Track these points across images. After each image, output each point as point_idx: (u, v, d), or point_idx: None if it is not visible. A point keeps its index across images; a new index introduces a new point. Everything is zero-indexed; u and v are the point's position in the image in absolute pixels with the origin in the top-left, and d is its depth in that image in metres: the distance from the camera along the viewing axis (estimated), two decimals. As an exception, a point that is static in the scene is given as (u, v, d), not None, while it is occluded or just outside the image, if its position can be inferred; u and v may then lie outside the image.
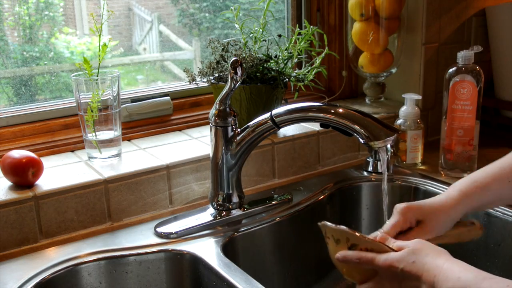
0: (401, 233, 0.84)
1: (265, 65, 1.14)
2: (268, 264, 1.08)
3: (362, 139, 0.86)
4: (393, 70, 1.40)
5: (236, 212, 1.04)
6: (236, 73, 0.95)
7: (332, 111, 0.89)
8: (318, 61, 1.19)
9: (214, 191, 1.03)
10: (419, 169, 1.26)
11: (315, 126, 1.26)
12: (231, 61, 0.95)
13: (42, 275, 0.86)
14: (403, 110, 1.24)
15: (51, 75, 1.30)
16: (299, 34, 1.19)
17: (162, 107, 1.27)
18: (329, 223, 0.79)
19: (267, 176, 1.20)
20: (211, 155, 1.02)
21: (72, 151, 1.14)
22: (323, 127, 0.94)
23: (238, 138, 0.99)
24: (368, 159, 1.27)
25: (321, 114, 0.90)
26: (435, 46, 1.40)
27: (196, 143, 1.19)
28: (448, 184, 1.16)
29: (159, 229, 0.99)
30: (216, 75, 1.17)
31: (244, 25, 1.19)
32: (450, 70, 1.16)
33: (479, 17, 1.47)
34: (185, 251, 0.94)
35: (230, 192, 1.03)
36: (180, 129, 1.28)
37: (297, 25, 1.32)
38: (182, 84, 1.36)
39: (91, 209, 1.00)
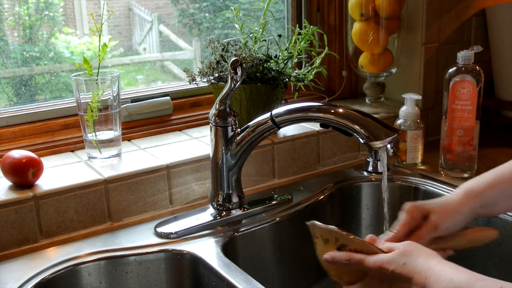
0: (413, 232, 0.84)
1: (265, 65, 1.14)
2: (268, 264, 1.08)
3: (362, 139, 0.86)
4: (393, 70, 1.40)
5: (236, 212, 1.04)
6: (236, 73, 0.95)
7: (332, 111, 0.89)
8: (318, 61, 1.19)
9: (214, 191, 1.03)
10: (419, 169, 1.26)
11: (315, 126, 1.26)
12: (231, 61, 0.95)
13: (42, 275, 0.86)
14: (403, 110, 1.24)
15: (51, 75, 1.30)
16: (299, 34, 1.19)
17: (162, 107, 1.27)
18: (318, 223, 0.78)
19: (267, 176, 1.20)
20: (211, 155, 1.02)
21: (72, 151, 1.14)
22: (323, 127, 0.94)
23: (238, 138, 0.99)
24: (368, 159, 1.27)
25: (321, 114, 0.90)
26: (435, 46, 1.40)
27: (196, 143, 1.19)
28: (448, 184, 1.17)
29: (159, 229, 0.99)
30: (216, 75, 1.17)
31: (244, 25, 1.19)
32: (450, 70, 1.16)
33: (479, 17, 1.47)
34: (185, 251, 0.94)
35: (230, 192, 1.03)
36: (180, 129, 1.28)
37: (297, 25, 1.32)
38: (182, 84, 1.36)
39: (91, 209, 1.00)
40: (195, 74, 1.18)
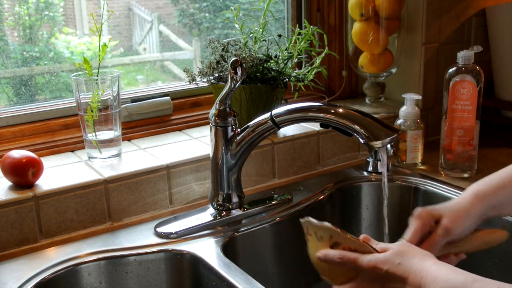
0: (425, 239, 0.82)
1: (265, 65, 1.14)
2: (268, 264, 1.08)
3: (362, 139, 0.86)
4: (393, 70, 1.40)
5: (236, 212, 1.04)
6: (236, 73, 0.95)
7: (332, 111, 0.89)
8: (318, 61, 1.19)
9: (214, 191, 1.03)
10: (419, 169, 1.26)
11: (315, 126, 1.26)
12: (231, 61, 0.95)
13: (42, 275, 0.86)
14: (403, 110, 1.24)
15: (51, 75, 1.30)
16: (299, 34, 1.19)
17: (162, 107, 1.27)
18: (312, 219, 0.77)
19: (267, 176, 1.20)
20: (211, 155, 1.02)
21: (72, 151, 1.14)
22: (323, 127, 0.94)
23: (238, 138, 0.99)
24: (368, 159, 1.27)
25: (321, 114, 0.90)
26: (435, 46, 1.40)
27: (196, 143, 1.19)
28: (448, 184, 1.17)
29: (159, 229, 0.99)
30: (216, 75, 1.17)
31: (244, 25, 1.19)
32: (450, 70, 1.16)
33: (479, 17, 1.47)
34: (185, 251, 0.94)
35: (230, 192, 1.03)
36: (180, 129, 1.28)
37: (297, 25, 1.32)
38: (182, 84, 1.36)
39: (91, 209, 1.00)
40: (195, 74, 1.18)
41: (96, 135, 1.06)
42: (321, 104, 0.91)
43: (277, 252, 1.08)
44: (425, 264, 0.69)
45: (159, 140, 1.21)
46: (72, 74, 1.04)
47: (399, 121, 1.25)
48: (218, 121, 0.99)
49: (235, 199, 1.04)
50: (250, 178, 1.17)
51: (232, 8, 1.20)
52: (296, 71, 1.19)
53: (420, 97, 1.24)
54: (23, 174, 0.95)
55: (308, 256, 0.80)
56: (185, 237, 0.98)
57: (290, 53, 1.18)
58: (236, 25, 1.20)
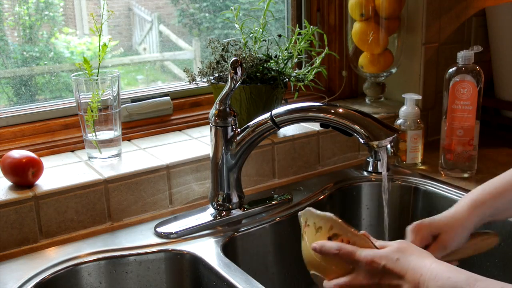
0: None
1: (265, 65, 1.14)
2: (268, 264, 1.08)
3: (362, 139, 0.86)
4: (393, 70, 1.40)
5: (236, 212, 1.04)
6: (236, 73, 0.95)
7: (332, 111, 0.89)
8: (318, 61, 1.19)
9: (214, 191, 1.03)
10: (419, 169, 1.26)
11: (315, 126, 1.26)
12: (231, 61, 0.95)
13: (42, 275, 0.86)
14: (403, 110, 1.24)
15: (51, 75, 1.30)
16: (299, 34, 1.19)
17: (162, 107, 1.27)
18: (314, 209, 0.76)
19: (267, 176, 1.20)
20: (211, 155, 1.02)
21: (72, 151, 1.14)
22: (323, 127, 0.94)
23: (238, 138, 0.99)
24: (368, 159, 1.27)
25: (321, 114, 0.90)
26: (435, 46, 1.40)
27: (196, 143, 1.19)
28: (448, 184, 1.17)
29: (159, 229, 0.99)
30: (216, 75, 1.17)
31: (244, 25, 1.19)
32: (450, 70, 1.16)
33: (479, 17, 1.47)
34: (185, 251, 0.94)
35: (230, 192, 1.03)
36: (180, 129, 1.28)
37: (297, 25, 1.32)
38: (182, 84, 1.36)
39: (91, 209, 1.00)
40: (195, 74, 1.18)
41: (96, 135, 1.06)
42: (321, 104, 0.91)
43: (277, 252, 1.08)
44: (424, 262, 0.69)
45: (159, 140, 1.21)
46: (72, 74, 1.04)
47: (399, 121, 1.25)
48: (218, 121, 0.99)
49: (235, 199, 1.04)
50: (250, 178, 1.17)
51: (232, 8, 1.20)
52: (296, 71, 1.19)
53: (420, 97, 1.24)
54: (23, 174, 0.95)
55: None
56: (185, 237, 0.98)
57: (290, 53, 1.18)
58: (236, 25, 1.20)
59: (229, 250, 0.96)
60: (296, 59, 1.19)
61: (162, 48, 1.88)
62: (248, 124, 0.99)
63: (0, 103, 1.23)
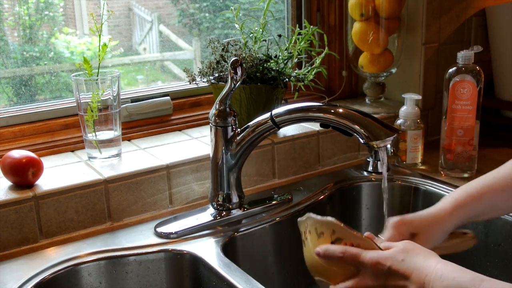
0: None
1: (265, 65, 1.14)
2: (268, 264, 1.08)
3: (362, 139, 0.86)
4: (393, 70, 1.40)
5: (236, 212, 1.04)
6: (236, 73, 0.95)
7: (332, 111, 0.89)
8: (318, 61, 1.19)
9: (214, 191, 1.03)
10: (419, 169, 1.26)
11: (315, 126, 1.26)
12: (231, 61, 0.95)
13: (42, 275, 0.86)
14: (403, 110, 1.24)
15: (51, 75, 1.30)
16: (299, 34, 1.19)
17: (162, 107, 1.27)
18: (314, 215, 0.75)
19: (267, 176, 1.20)
20: (211, 155, 1.02)
21: (72, 151, 1.14)
22: (323, 127, 0.94)
23: (238, 138, 0.99)
24: (368, 159, 1.27)
25: (321, 114, 0.90)
26: (435, 46, 1.40)
27: (196, 143, 1.19)
28: (448, 184, 1.17)
29: (159, 229, 0.99)
30: (216, 75, 1.17)
31: (244, 25, 1.19)
32: (450, 70, 1.16)
33: (479, 17, 1.47)
34: (185, 251, 0.94)
35: (230, 192, 1.03)
36: (180, 129, 1.28)
37: (297, 25, 1.32)
38: (182, 84, 1.36)
39: (91, 209, 1.00)
40: (195, 74, 1.18)
41: (96, 135, 1.06)
42: (321, 104, 0.91)
43: (277, 252, 1.08)
44: (429, 262, 0.69)
45: (159, 140, 1.21)
46: (72, 74, 1.04)
47: (399, 121, 1.25)
48: (218, 121, 0.99)
49: (235, 199, 1.04)
50: (250, 178, 1.17)
51: (232, 8, 1.20)
52: (296, 71, 1.19)
53: (420, 97, 1.24)
54: (23, 174, 0.95)
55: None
56: (185, 237, 0.98)
57: (290, 53, 1.18)
58: (236, 25, 1.20)
59: (229, 250, 0.96)
60: (296, 59, 1.19)
61: (162, 48, 1.88)
62: (248, 124, 0.99)
63: (0, 103, 1.23)
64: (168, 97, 1.29)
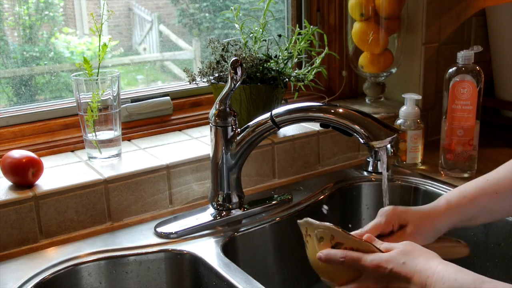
0: (382, 236, 0.82)
1: (265, 65, 1.14)
2: (268, 264, 1.08)
3: (362, 139, 0.86)
4: (393, 70, 1.40)
5: (236, 212, 1.04)
6: (236, 73, 0.95)
7: (332, 111, 0.89)
8: (318, 61, 1.19)
9: (214, 191, 1.03)
10: (419, 169, 1.26)
11: (315, 126, 1.26)
12: (231, 61, 0.95)
13: (42, 275, 0.86)
14: (403, 110, 1.24)
15: (51, 75, 1.30)
16: (299, 34, 1.19)
17: (162, 107, 1.27)
18: (312, 220, 0.76)
19: (267, 176, 1.20)
20: (211, 155, 1.02)
21: (72, 151, 1.14)
22: (323, 127, 0.94)
23: (238, 138, 0.99)
24: (368, 159, 1.27)
25: (321, 114, 0.90)
26: (435, 46, 1.40)
27: (196, 143, 1.19)
28: (448, 184, 1.17)
29: (159, 229, 0.99)
30: (216, 75, 1.17)
31: (244, 25, 1.19)
32: (450, 70, 1.16)
33: (479, 17, 1.47)
34: (185, 251, 0.94)
35: (230, 192, 1.03)
36: (180, 129, 1.28)
37: (297, 25, 1.32)
38: (182, 84, 1.36)
39: (91, 209, 1.00)
40: (195, 74, 1.18)
41: (96, 135, 1.06)
42: (321, 104, 0.91)
43: (277, 252, 1.08)
44: (430, 264, 0.68)
45: (159, 140, 1.21)
46: (72, 74, 1.04)
47: (399, 121, 1.25)
48: (218, 121, 0.99)
49: (235, 199, 1.04)
50: (250, 178, 1.17)
51: (232, 8, 1.20)
52: (296, 71, 1.19)
53: (420, 97, 1.24)
54: (23, 174, 0.95)
55: (307, 256, 0.79)
56: (185, 237, 0.98)
57: (290, 53, 1.18)
58: (236, 25, 1.20)
59: (229, 250, 0.96)
60: (296, 59, 1.19)
61: (162, 48, 1.88)
62: (248, 124, 0.99)
63: (0, 103, 1.23)
64: (168, 97, 1.29)
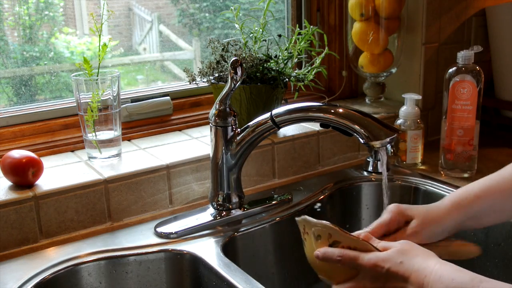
0: (388, 235, 0.82)
1: (265, 65, 1.14)
2: (268, 264, 1.08)
3: (362, 139, 0.86)
4: (393, 70, 1.40)
5: (236, 212, 1.04)
6: (236, 73, 0.95)
7: (332, 111, 0.89)
8: (318, 61, 1.19)
9: (214, 191, 1.03)
10: (419, 169, 1.26)
11: (315, 126, 1.26)
12: (231, 61, 0.95)
13: (42, 275, 0.86)
14: (403, 110, 1.24)
15: (51, 75, 1.30)
16: (299, 34, 1.19)
17: (162, 107, 1.27)
18: (309, 218, 0.76)
19: (267, 176, 1.20)
20: (211, 155, 1.02)
21: (72, 151, 1.14)
22: (323, 127, 0.94)
23: (238, 138, 0.99)
24: (368, 159, 1.27)
25: (321, 114, 0.90)
26: (435, 46, 1.40)
27: (196, 143, 1.19)
28: (448, 184, 1.17)
29: (159, 229, 0.99)
30: (216, 75, 1.17)
31: (244, 25, 1.19)
32: (450, 70, 1.16)
33: (479, 17, 1.47)
34: (185, 251, 0.94)
35: (230, 192, 1.03)
36: (180, 129, 1.28)
37: (297, 25, 1.32)
38: (182, 84, 1.36)
39: (91, 209, 1.00)
40: (195, 74, 1.18)
41: (96, 135, 1.06)
42: (321, 104, 0.91)
43: (277, 252, 1.08)
44: (428, 263, 0.68)
45: (159, 140, 1.21)
46: (72, 74, 1.04)
47: (399, 121, 1.25)
48: (218, 121, 0.99)
49: (235, 199, 1.04)
50: (250, 178, 1.17)
51: (232, 8, 1.20)
52: (296, 71, 1.19)
53: (420, 97, 1.24)
54: (23, 174, 0.95)
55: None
56: (185, 237, 0.98)
57: (290, 53, 1.18)
58: (236, 25, 1.20)
59: (229, 250, 0.96)
60: (296, 59, 1.19)
61: (162, 48, 1.88)
62: (248, 124, 0.99)
63: (0, 103, 1.23)
64: (168, 97, 1.29)
